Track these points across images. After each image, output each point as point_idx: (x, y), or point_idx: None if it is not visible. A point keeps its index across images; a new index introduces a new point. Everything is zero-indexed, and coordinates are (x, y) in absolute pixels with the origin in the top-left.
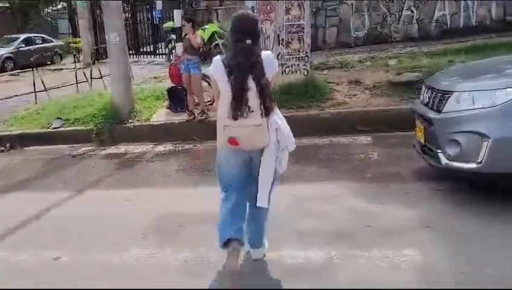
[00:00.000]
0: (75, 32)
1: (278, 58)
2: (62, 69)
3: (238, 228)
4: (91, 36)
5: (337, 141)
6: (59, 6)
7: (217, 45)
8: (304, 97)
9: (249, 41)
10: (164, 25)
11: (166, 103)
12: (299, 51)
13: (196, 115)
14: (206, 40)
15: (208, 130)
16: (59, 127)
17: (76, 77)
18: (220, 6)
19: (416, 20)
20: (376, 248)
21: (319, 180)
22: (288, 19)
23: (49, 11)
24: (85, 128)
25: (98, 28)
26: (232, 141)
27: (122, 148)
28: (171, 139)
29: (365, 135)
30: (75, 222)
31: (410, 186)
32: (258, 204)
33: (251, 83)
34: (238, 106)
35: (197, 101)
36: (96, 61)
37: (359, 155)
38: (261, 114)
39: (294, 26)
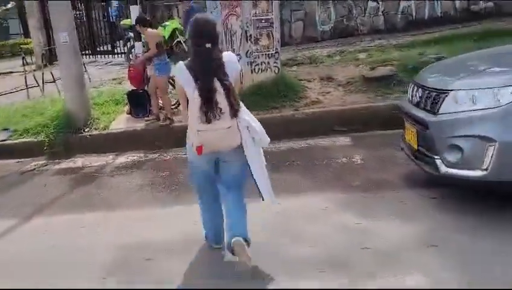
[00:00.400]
0: (26, 33)
1: (246, 56)
2: (12, 72)
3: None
4: (42, 36)
5: (315, 144)
6: (9, 5)
7: (179, 42)
8: (276, 97)
9: (208, 45)
10: (121, 22)
11: (127, 107)
12: (268, 48)
13: (161, 119)
14: (167, 38)
15: (173, 137)
16: (5, 140)
17: (26, 82)
18: (181, 1)
19: (382, 12)
20: (376, 276)
21: (301, 192)
22: (255, 13)
23: None
24: (36, 139)
25: (50, 27)
26: (199, 149)
27: (78, 162)
28: (134, 149)
29: (343, 135)
30: (19, 258)
31: (402, 195)
32: (265, 198)
33: (217, 85)
34: (209, 109)
35: (161, 104)
36: (48, 64)
37: (341, 159)
38: (230, 115)
39: (263, 21)
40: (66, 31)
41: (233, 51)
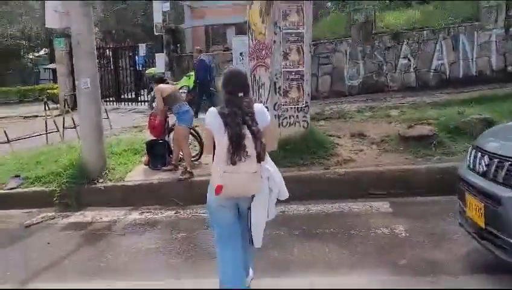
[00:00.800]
0: (56, 79)
1: (274, 109)
2: (37, 116)
3: (243, 276)
4: (69, 82)
5: (349, 209)
6: (41, 52)
7: None
8: (305, 153)
9: (241, 94)
10: (147, 71)
11: (145, 158)
12: (298, 101)
13: (180, 172)
14: (191, 87)
15: (192, 193)
16: (16, 188)
17: (46, 127)
18: (207, 52)
19: (414, 69)
20: None
21: (339, 271)
22: (286, 64)
23: (31, 57)
24: (47, 189)
25: None
26: (218, 187)
27: (88, 216)
28: (149, 203)
29: (380, 200)
30: None
31: (464, 283)
32: (255, 245)
33: (246, 132)
34: (237, 151)
35: (181, 155)
36: (71, 110)
37: (381, 230)
38: (256, 160)
39: (293, 73)
40: (88, 76)
41: (261, 103)
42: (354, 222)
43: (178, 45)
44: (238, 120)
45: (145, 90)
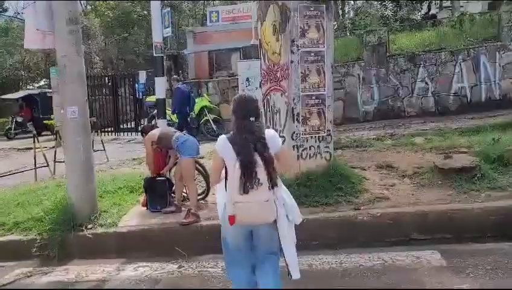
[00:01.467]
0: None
1: (292, 138)
2: (31, 148)
3: None
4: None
5: (392, 261)
6: (41, 83)
7: (207, 121)
8: (330, 190)
9: (252, 119)
10: (147, 99)
11: (142, 198)
12: (319, 129)
13: (184, 215)
14: (195, 115)
15: (199, 241)
16: None
17: (35, 161)
18: (211, 78)
19: (432, 92)
20: None
21: None
22: (305, 88)
23: (31, 88)
24: (25, 237)
25: None
26: (231, 218)
27: (73, 272)
28: (147, 255)
29: (427, 247)
30: None
31: None
32: (293, 277)
33: (257, 158)
34: (248, 179)
35: (185, 194)
36: (64, 142)
37: None
38: (269, 187)
39: (313, 97)
40: (76, 104)
41: (277, 131)
42: (402, 280)
43: (180, 72)
44: (250, 147)
45: (146, 119)
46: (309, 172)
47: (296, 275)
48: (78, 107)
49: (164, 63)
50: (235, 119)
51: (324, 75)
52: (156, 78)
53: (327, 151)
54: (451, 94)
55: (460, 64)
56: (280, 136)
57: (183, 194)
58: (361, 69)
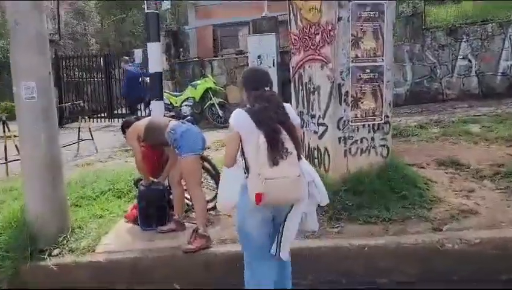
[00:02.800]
0: None
1: (338, 128)
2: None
3: None
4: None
5: None
6: None
7: (212, 105)
8: (390, 199)
9: (267, 89)
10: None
11: (131, 210)
12: (374, 114)
13: (188, 237)
14: (197, 99)
15: (209, 274)
16: None
17: (6, 153)
18: (215, 56)
19: (476, 72)
20: None
21: None
22: (356, 56)
23: None
24: None
25: (64, 84)
26: (258, 196)
27: None
28: None
29: None
30: None
31: None
32: (282, 257)
33: (279, 127)
34: (275, 149)
35: (189, 203)
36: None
37: None
38: (298, 157)
39: (367, 70)
40: (33, 79)
41: (312, 118)
42: None
43: (181, 50)
44: (271, 115)
45: (142, 103)
46: (359, 173)
47: (286, 255)
48: (36, 83)
49: (164, 40)
50: (248, 91)
51: (383, 39)
52: (148, 44)
53: (384, 145)
54: (499, 74)
55: (510, 39)
56: (319, 125)
57: (186, 201)
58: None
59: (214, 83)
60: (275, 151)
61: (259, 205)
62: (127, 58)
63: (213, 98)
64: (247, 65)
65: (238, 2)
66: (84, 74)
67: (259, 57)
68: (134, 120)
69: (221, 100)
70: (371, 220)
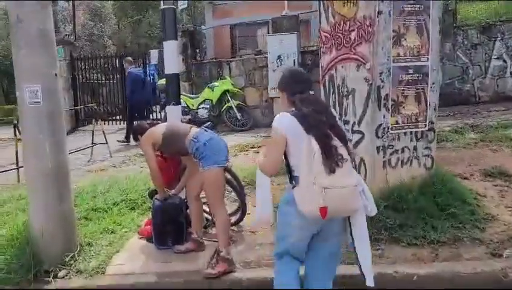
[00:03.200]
0: None
1: (377, 136)
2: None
3: None
4: (69, 98)
5: None
6: None
7: (230, 108)
8: (437, 216)
9: (312, 92)
10: (159, 83)
11: (145, 225)
12: (417, 120)
13: (209, 259)
14: (215, 102)
15: None
16: None
17: (17, 159)
18: (233, 57)
19: (511, 73)
20: None
21: None
22: (398, 54)
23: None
24: None
25: (79, 86)
26: (323, 210)
27: None
28: None
29: None
30: None
31: None
32: (368, 284)
33: (330, 131)
34: (329, 156)
35: (208, 219)
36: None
37: None
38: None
39: (410, 71)
40: (38, 81)
41: (346, 124)
42: None
43: (197, 50)
44: (322, 118)
45: (158, 106)
46: (401, 187)
47: (370, 282)
48: (41, 86)
49: (179, 38)
50: (292, 94)
51: (428, 36)
52: (164, 42)
53: (428, 155)
54: None
55: None
56: (353, 133)
57: (204, 215)
58: None
59: (232, 84)
60: (330, 158)
61: (324, 219)
62: (130, 59)
63: (231, 101)
64: (267, 66)
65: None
66: (100, 75)
67: (279, 57)
68: (148, 125)
69: (240, 103)
70: (417, 241)
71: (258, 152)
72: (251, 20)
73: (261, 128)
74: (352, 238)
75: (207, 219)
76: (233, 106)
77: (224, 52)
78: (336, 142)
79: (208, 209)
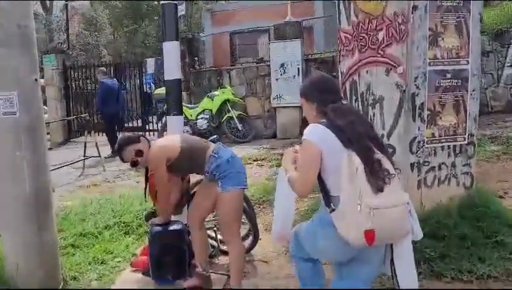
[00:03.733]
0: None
1: (411, 151)
2: None
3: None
4: (61, 108)
5: None
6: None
7: (230, 118)
8: (481, 245)
9: (345, 101)
10: (155, 92)
11: (140, 255)
12: (455, 133)
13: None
14: (214, 112)
15: None
16: None
17: None
18: (233, 65)
19: None
20: None
21: None
22: (435, 56)
23: None
24: None
25: (72, 95)
26: (370, 235)
27: None
28: None
29: None
30: None
31: None
32: None
33: (371, 144)
34: (374, 172)
35: (214, 246)
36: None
37: None
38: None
39: (448, 76)
40: (15, 88)
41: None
42: None
43: (196, 58)
44: (361, 130)
45: (155, 116)
46: (436, 210)
47: None
48: (18, 93)
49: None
50: (324, 104)
51: (468, 35)
52: (164, 43)
53: (467, 173)
54: None
55: None
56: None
57: (209, 242)
58: None
59: (233, 94)
60: (375, 175)
61: (370, 245)
62: (104, 69)
63: (231, 111)
64: (269, 75)
65: (259, 4)
66: (94, 85)
67: (282, 65)
68: (136, 138)
69: (241, 113)
70: (463, 277)
71: (262, 165)
72: (251, 28)
73: (263, 140)
74: (393, 270)
75: (212, 246)
76: (234, 117)
77: (223, 60)
78: (379, 155)
79: (212, 235)
